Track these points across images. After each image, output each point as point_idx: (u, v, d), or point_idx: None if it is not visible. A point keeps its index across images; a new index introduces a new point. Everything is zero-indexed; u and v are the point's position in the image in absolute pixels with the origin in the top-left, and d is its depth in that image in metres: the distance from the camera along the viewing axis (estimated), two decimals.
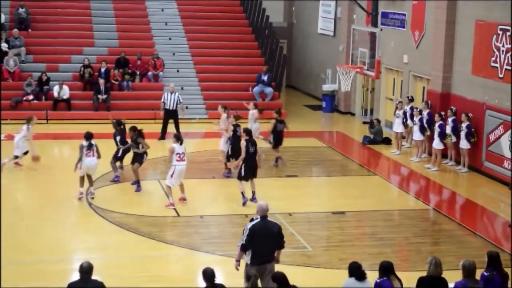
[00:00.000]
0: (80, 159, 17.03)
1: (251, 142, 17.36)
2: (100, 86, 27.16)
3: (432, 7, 23.36)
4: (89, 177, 17.34)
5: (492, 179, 20.12)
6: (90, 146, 17.04)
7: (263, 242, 10.81)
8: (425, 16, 24.01)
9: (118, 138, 18.97)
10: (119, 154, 18.95)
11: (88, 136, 17.19)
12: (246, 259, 10.95)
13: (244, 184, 17.40)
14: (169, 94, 24.10)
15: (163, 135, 23.90)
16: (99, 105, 27.07)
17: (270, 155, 21.60)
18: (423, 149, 22.19)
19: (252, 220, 11.05)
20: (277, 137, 21.08)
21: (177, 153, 16.56)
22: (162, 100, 24.15)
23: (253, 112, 22.01)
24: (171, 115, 23.95)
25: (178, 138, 16.89)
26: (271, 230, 10.94)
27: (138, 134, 18.27)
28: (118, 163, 19.16)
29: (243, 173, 17.32)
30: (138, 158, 18.34)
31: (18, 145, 19.97)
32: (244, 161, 17.27)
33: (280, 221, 15.98)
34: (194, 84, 29.20)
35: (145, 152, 18.42)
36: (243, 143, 17.43)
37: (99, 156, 17.34)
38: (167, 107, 23.93)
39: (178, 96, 24.06)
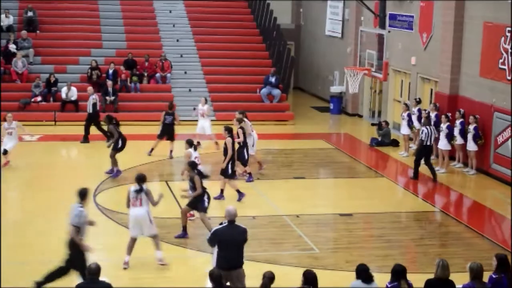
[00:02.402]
0: (128, 207, 13.64)
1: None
2: (108, 87, 27.24)
3: (440, 9, 23.34)
4: (153, 238, 13.54)
5: (500, 181, 20.08)
6: (137, 192, 13.29)
7: (228, 247, 10.86)
8: (433, 18, 23.98)
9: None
10: (119, 146, 19.50)
11: (140, 178, 13.37)
12: (213, 262, 11.06)
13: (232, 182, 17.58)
14: (89, 96, 24.09)
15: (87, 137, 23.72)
16: (106, 106, 27.12)
17: (275, 157, 21.63)
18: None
19: (220, 224, 11.21)
20: (164, 129, 22.04)
21: (195, 157, 16.37)
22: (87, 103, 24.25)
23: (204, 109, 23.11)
24: (88, 116, 23.79)
25: (191, 143, 16.65)
26: (237, 236, 10.97)
27: (195, 168, 14.93)
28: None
29: (229, 171, 17.53)
30: (200, 203, 14.82)
31: None
32: (231, 159, 17.50)
33: (287, 223, 16.07)
34: (201, 85, 29.24)
35: (205, 192, 14.87)
36: (229, 140, 17.55)
37: (154, 204, 13.54)
38: (87, 110, 23.93)
39: (94, 98, 23.87)
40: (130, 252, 13.37)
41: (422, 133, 20.23)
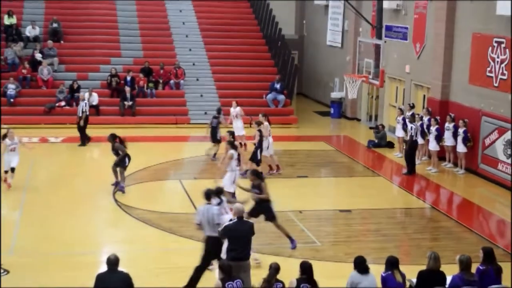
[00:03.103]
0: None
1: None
2: (126, 93, 27.29)
3: (432, 21, 23.33)
4: None
5: (487, 180, 20.06)
6: (219, 204, 12.53)
7: (237, 241, 10.98)
8: (425, 29, 23.97)
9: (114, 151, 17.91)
10: (126, 163, 17.88)
11: (218, 191, 12.73)
12: (222, 254, 11.23)
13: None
14: (80, 101, 23.65)
15: (85, 140, 23.29)
16: (125, 110, 27.20)
17: (280, 157, 21.63)
18: (423, 152, 22.16)
19: (230, 220, 11.34)
20: (211, 132, 21.42)
21: (236, 159, 16.23)
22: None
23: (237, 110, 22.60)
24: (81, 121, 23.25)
25: (233, 145, 16.45)
26: (246, 231, 11.09)
27: (261, 178, 14.23)
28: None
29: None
30: (268, 212, 13.90)
31: None
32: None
33: (291, 218, 16.09)
34: (212, 91, 29.27)
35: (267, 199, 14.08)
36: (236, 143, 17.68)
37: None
38: (78, 115, 23.33)
39: (83, 105, 23.28)
40: None
41: (411, 129, 20.64)
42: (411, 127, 20.73)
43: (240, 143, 22.13)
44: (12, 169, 17.72)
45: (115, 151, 17.77)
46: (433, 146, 21.11)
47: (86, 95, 24.89)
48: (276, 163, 20.21)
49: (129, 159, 17.93)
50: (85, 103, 23.52)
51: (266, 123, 19.82)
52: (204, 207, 11.99)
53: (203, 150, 21.88)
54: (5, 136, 17.74)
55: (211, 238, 11.81)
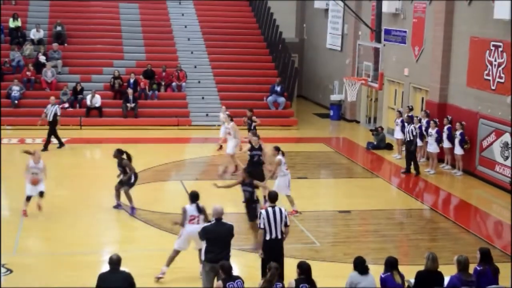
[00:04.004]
0: (182, 225, 12.33)
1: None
2: (128, 95, 27.27)
3: (430, 25, 23.32)
4: (200, 251, 12.00)
5: (485, 182, 20.04)
6: (198, 211, 12.15)
7: (215, 242, 10.89)
8: (424, 33, 23.95)
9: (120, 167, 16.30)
10: (132, 181, 16.24)
11: (194, 196, 12.21)
12: (202, 256, 11.11)
13: None
14: (49, 106, 22.90)
15: (47, 145, 22.51)
16: (127, 112, 27.17)
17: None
18: (422, 154, 22.13)
19: (209, 222, 11.25)
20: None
21: (285, 163, 16.08)
22: (45, 111, 22.91)
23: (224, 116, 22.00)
24: (49, 124, 22.68)
25: (279, 149, 16.01)
26: (223, 233, 10.97)
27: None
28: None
29: None
30: (253, 211, 13.83)
31: None
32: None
33: (291, 219, 15.98)
34: (213, 94, 29.25)
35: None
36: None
37: (206, 220, 12.07)
38: (47, 118, 22.72)
39: (56, 109, 22.81)
40: (170, 263, 12.47)
41: (415, 130, 20.71)
42: (411, 129, 20.77)
43: (221, 146, 22.12)
44: (41, 193, 15.72)
45: (123, 168, 16.11)
46: (433, 148, 21.06)
47: (53, 99, 23.67)
48: (236, 163, 19.97)
49: (136, 177, 16.31)
50: (57, 107, 22.87)
51: (232, 123, 19.80)
52: (271, 209, 11.48)
53: (204, 151, 21.85)
54: (29, 152, 16.11)
55: (278, 240, 11.44)
